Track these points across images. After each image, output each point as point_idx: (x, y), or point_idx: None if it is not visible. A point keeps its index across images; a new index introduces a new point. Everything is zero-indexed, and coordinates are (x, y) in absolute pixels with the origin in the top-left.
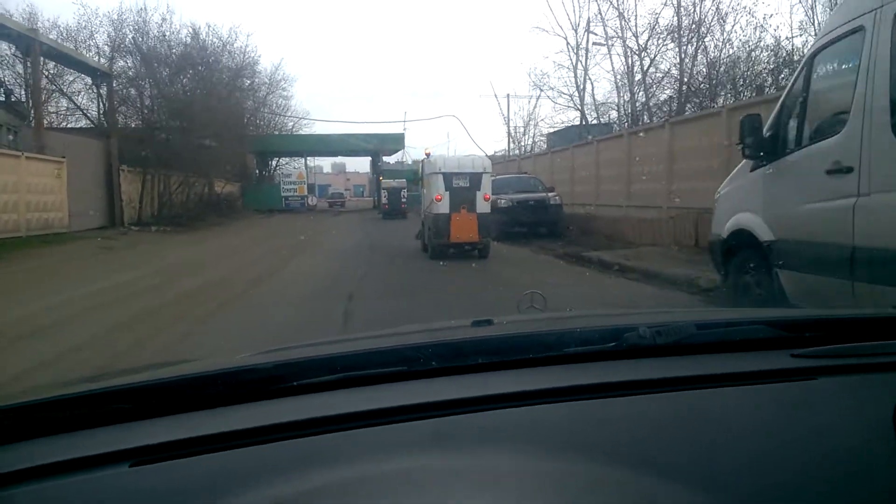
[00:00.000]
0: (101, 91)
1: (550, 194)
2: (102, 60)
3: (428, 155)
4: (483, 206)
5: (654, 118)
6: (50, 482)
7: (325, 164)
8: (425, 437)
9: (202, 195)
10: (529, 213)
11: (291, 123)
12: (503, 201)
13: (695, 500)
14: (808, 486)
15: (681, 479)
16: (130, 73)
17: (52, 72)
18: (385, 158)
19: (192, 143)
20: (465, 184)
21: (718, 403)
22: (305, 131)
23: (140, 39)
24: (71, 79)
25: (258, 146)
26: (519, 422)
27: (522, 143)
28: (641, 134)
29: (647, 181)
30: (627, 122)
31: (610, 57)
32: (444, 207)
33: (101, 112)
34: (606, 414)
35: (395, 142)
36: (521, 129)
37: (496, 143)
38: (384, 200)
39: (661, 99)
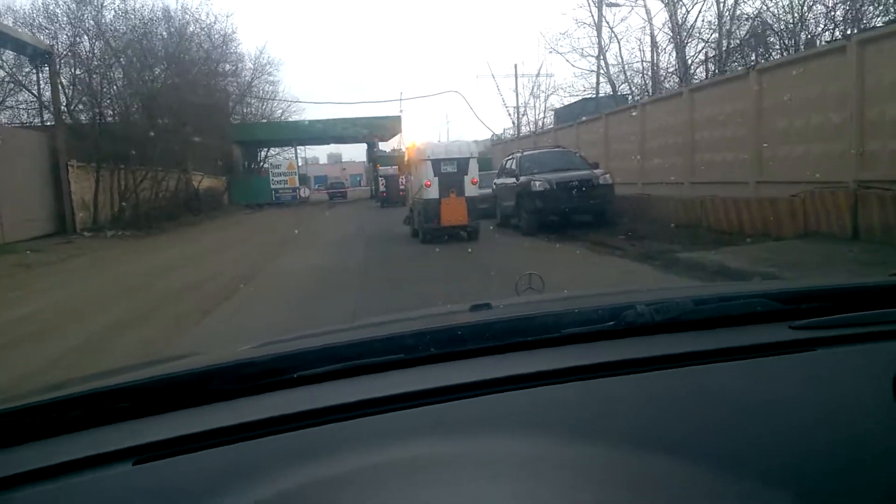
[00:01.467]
0: (41, 73)
1: (597, 171)
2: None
3: (414, 143)
4: (471, 190)
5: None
6: (52, 484)
7: (321, 155)
8: (426, 424)
9: (176, 191)
10: (574, 198)
11: (280, 111)
12: (538, 183)
13: (696, 476)
14: (809, 458)
15: (682, 456)
16: (87, 55)
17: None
18: (381, 145)
19: (162, 134)
20: (452, 169)
21: (718, 378)
22: (296, 119)
23: (98, 16)
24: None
25: (243, 135)
26: (519, 405)
27: (531, 120)
28: (711, 89)
29: (723, 149)
30: (679, 78)
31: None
32: (433, 193)
33: (67, 104)
34: (607, 393)
35: (391, 125)
36: (530, 103)
37: (498, 124)
38: (381, 188)
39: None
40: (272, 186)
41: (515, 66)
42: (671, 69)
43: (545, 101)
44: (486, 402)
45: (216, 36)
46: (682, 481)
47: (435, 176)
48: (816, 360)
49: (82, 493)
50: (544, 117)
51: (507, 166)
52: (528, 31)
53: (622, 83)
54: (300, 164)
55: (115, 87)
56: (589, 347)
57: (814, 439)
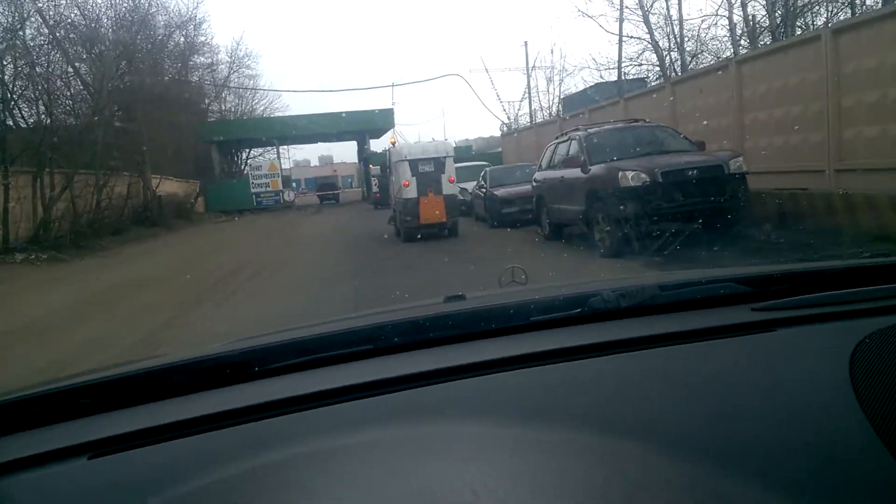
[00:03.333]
0: None
1: (721, 154)
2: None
3: (393, 144)
4: (449, 188)
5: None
6: (6, 480)
7: (312, 157)
8: (388, 410)
9: (127, 199)
10: (692, 196)
11: (262, 108)
12: (631, 175)
13: (656, 456)
14: (766, 437)
15: (642, 436)
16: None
17: None
18: (374, 144)
19: (111, 131)
20: (430, 168)
21: (680, 360)
22: (280, 115)
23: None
24: None
25: (218, 134)
26: (482, 390)
27: (543, 106)
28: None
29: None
30: (773, 30)
31: None
32: (411, 192)
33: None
34: (570, 377)
35: (382, 119)
36: (541, 88)
37: (492, 121)
38: (374, 189)
39: None
40: (253, 190)
41: (525, 43)
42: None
43: (559, 85)
44: (448, 388)
45: (182, 19)
46: (642, 461)
47: (413, 175)
48: (775, 341)
49: (36, 489)
50: (559, 102)
51: (561, 153)
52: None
53: (669, 48)
54: (290, 166)
55: (59, 78)
56: (554, 333)
57: (771, 417)
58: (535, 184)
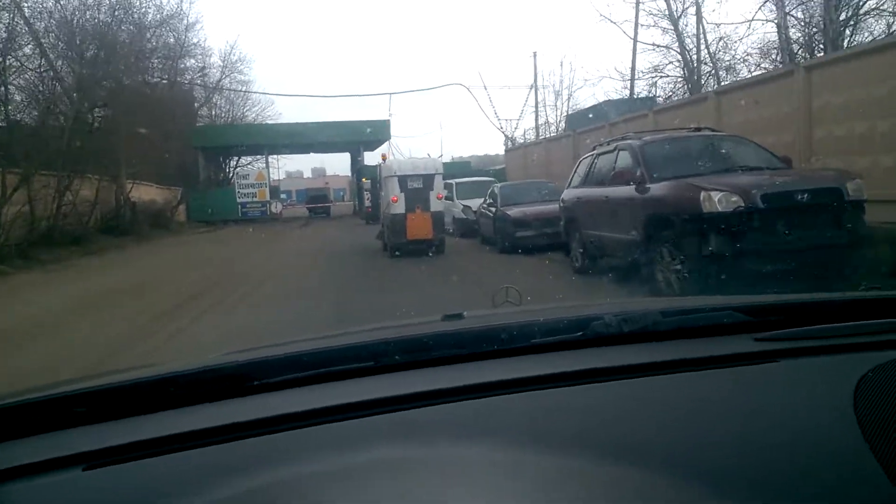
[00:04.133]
0: None
1: (832, 175)
2: None
3: (384, 159)
4: (436, 205)
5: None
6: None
7: (305, 168)
8: (389, 430)
9: (94, 204)
10: (801, 226)
11: (253, 115)
12: (719, 196)
13: (658, 484)
14: (769, 468)
15: (645, 464)
16: None
17: None
18: (368, 156)
19: (79, 128)
20: (418, 185)
21: (683, 388)
22: (271, 122)
23: None
24: None
25: (206, 140)
26: (485, 413)
27: (550, 122)
28: None
29: None
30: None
31: None
32: (399, 208)
33: None
34: (571, 402)
35: (378, 131)
36: (549, 102)
37: (489, 140)
38: (367, 203)
39: None
40: (239, 200)
41: (534, 54)
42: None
43: (567, 100)
44: (449, 409)
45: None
46: (642, 489)
47: (401, 192)
48: (779, 371)
49: (28, 499)
50: (564, 119)
51: (603, 166)
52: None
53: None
54: (283, 177)
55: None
56: (556, 357)
57: (774, 449)
58: (563, 204)
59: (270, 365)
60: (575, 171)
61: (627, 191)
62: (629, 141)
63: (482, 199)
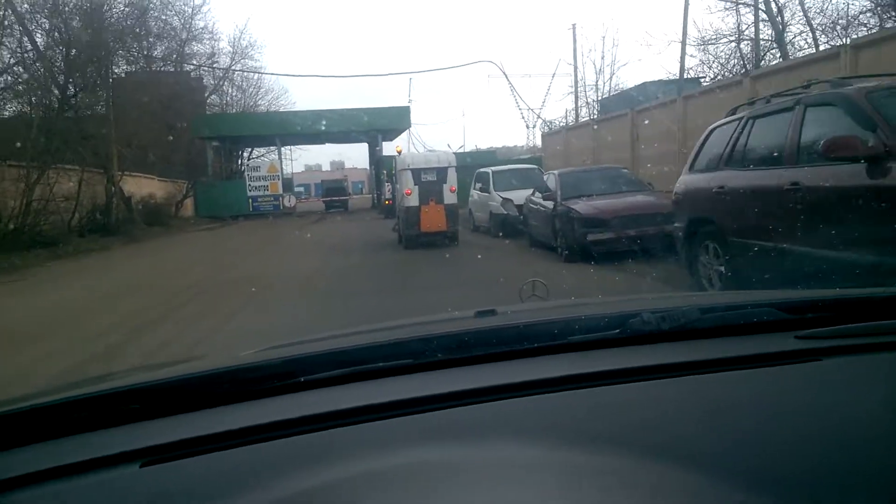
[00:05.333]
0: None
1: None
2: None
3: (399, 152)
4: (450, 198)
5: None
6: (57, 485)
7: (325, 161)
8: (432, 429)
9: (76, 201)
10: None
11: (266, 103)
12: None
13: (701, 484)
14: (813, 468)
15: (687, 465)
16: None
17: None
18: (387, 147)
19: (57, 114)
20: (432, 178)
21: (724, 387)
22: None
23: None
24: None
25: (214, 129)
26: (524, 412)
27: (590, 101)
28: None
29: None
30: None
31: None
32: (413, 201)
33: None
34: (612, 401)
35: (397, 118)
36: (588, 82)
37: (512, 134)
38: (386, 195)
39: None
40: (249, 194)
41: (573, 26)
42: None
43: (610, 78)
44: (490, 408)
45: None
46: (687, 489)
47: (415, 185)
48: (821, 370)
49: (87, 495)
50: (610, 90)
51: (775, 136)
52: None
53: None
54: (301, 169)
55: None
56: (594, 355)
57: (818, 449)
58: (679, 197)
59: (316, 361)
60: (701, 148)
61: (850, 172)
62: (837, 89)
63: (526, 190)
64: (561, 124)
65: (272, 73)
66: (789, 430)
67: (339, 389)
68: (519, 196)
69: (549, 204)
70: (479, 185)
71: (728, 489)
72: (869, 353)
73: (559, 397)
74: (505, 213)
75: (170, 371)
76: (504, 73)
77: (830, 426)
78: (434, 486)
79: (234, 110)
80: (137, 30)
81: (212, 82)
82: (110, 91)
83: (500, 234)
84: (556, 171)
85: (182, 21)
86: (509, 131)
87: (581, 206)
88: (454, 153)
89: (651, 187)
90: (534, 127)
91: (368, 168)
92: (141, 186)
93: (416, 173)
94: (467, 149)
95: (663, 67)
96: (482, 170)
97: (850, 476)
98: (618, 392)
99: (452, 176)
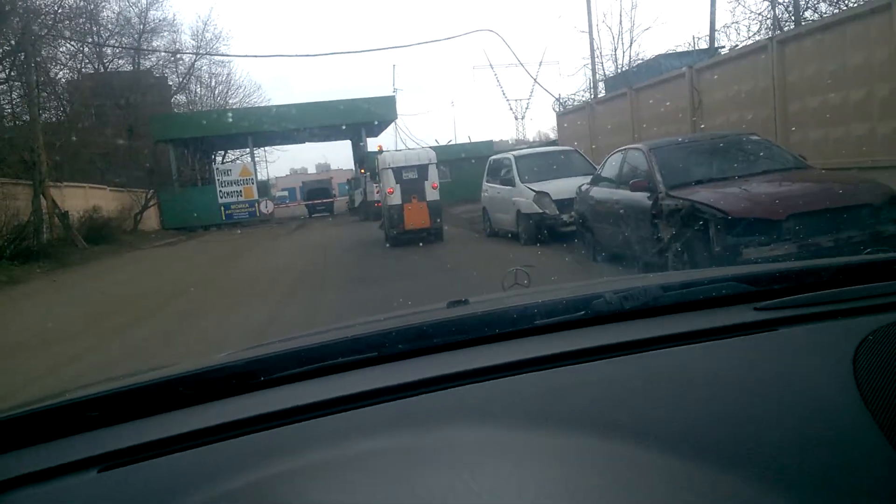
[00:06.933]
0: None
1: None
2: None
3: (381, 150)
4: (432, 195)
5: None
6: (14, 495)
7: (310, 164)
8: (392, 418)
9: None
10: None
11: (237, 101)
12: None
13: (663, 458)
14: (771, 437)
15: (650, 439)
16: None
17: None
18: (371, 144)
19: None
20: (413, 175)
21: (684, 361)
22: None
23: None
24: None
25: (172, 130)
26: (486, 396)
27: (605, 74)
28: None
29: None
30: None
31: None
32: (396, 199)
33: None
34: (575, 381)
35: (383, 109)
36: (604, 53)
37: (501, 129)
38: (374, 196)
39: None
40: (221, 201)
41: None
42: None
43: (630, 46)
44: (452, 394)
45: None
46: (648, 464)
47: (397, 183)
48: (778, 340)
49: (47, 502)
50: (630, 62)
51: None
52: None
53: None
54: (287, 173)
55: None
56: (557, 337)
57: (775, 417)
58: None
59: (276, 361)
60: None
61: None
62: None
63: (565, 181)
64: (583, 98)
65: (233, 56)
66: (749, 401)
67: (301, 386)
68: (557, 188)
69: (640, 197)
70: (495, 177)
71: (691, 461)
72: (824, 321)
73: (523, 380)
74: (540, 212)
75: (132, 378)
76: (506, 42)
77: (787, 395)
78: (392, 472)
79: (202, 108)
80: (81, 19)
81: (176, 80)
82: (36, 89)
83: (535, 240)
84: (642, 146)
85: (138, 12)
86: (499, 124)
87: (717, 198)
88: (444, 146)
89: (804, 161)
90: (522, 118)
91: (354, 167)
92: (87, 199)
93: (398, 172)
94: (459, 141)
95: (690, 34)
96: (498, 157)
97: (805, 444)
98: (581, 371)
99: (433, 173)
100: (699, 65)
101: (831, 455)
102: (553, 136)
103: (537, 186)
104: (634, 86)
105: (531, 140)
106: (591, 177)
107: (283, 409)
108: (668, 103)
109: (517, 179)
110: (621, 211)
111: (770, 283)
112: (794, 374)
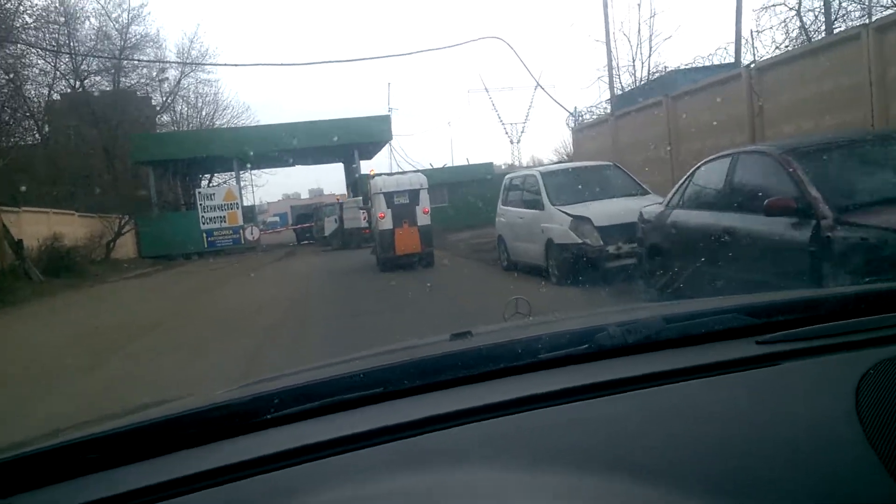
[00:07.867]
0: None
1: None
2: None
3: (373, 174)
4: (423, 220)
5: None
6: None
7: (303, 189)
8: (399, 458)
9: None
10: None
11: (224, 121)
12: None
13: (669, 495)
14: (773, 472)
15: (654, 476)
16: None
17: None
18: (364, 167)
19: None
20: (404, 200)
21: (687, 397)
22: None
23: None
24: None
25: (151, 152)
26: (492, 434)
27: (622, 86)
28: None
29: None
30: None
31: None
32: (387, 224)
33: None
34: (579, 418)
35: (377, 129)
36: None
37: (496, 152)
38: (363, 223)
39: None
40: (203, 227)
41: None
42: None
43: (649, 57)
44: (459, 432)
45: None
46: (656, 500)
47: (388, 208)
48: (780, 374)
49: None
50: (650, 77)
51: None
52: None
53: None
54: (280, 198)
55: None
56: (562, 372)
57: (777, 452)
58: None
59: (280, 398)
60: None
61: None
62: None
63: (608, 202)
64: (604, 110)
65: (218, 65)
66: (751, 436)
67: (308, 424)
68: (599, 212)
69: (780, 224)
70: (514, 199)
71: (693, 497)
72: (826, 355)
73: (527, 417)
74: (579, 242)
75: (135, 417)
76: (512, 48)
77: (789, 430)
78: None
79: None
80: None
81: (160, 100)
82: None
83: (572, 277)
84: (768, 149)
85: (118, 27)
86: (495, 147)
87: None
88: (441, 168)
89: None
90: (518, 142)
91: (346, 191)
92: (50, 225)
93: (389, 196)
94: (457, 163)
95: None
96: (518, 174)
97: (807, 479)
98: (585, 408)
99: (425, 198)
100: (760, 63)
101: (833, 489)
102: (550, 157)
103: (573, 210)
104: (672, 93)
105: (526, 165)
106: (666, 197)
107: (288, 449)
108: (720, 108)
109: (546, 201)
110: (744, 243)
111: (772, 314)
112: (796, 409)
